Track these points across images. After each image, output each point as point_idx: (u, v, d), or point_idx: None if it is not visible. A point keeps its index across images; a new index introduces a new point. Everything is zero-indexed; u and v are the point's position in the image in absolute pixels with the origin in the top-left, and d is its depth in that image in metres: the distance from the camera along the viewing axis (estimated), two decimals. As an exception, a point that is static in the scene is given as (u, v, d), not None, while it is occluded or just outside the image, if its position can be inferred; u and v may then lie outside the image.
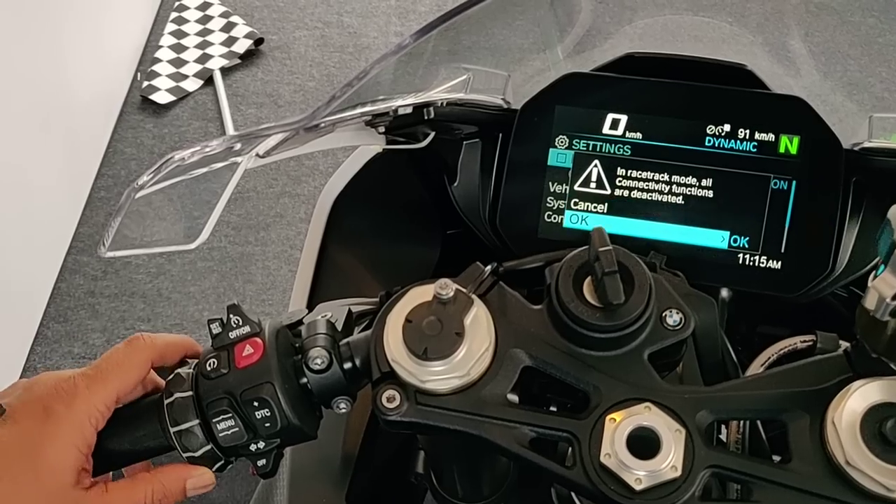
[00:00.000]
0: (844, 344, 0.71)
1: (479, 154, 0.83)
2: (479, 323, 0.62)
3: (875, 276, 0.56)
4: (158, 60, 2.80)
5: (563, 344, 0.62)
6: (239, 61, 2.81)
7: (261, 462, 0.65)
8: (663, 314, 0.63)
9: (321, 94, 2.68)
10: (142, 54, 2.84)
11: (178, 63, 2.80)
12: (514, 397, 0.62)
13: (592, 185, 0.79)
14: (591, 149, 0.79)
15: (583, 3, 0.70)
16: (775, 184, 0.77)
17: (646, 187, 0.78)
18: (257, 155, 0.59)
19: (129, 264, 2.32)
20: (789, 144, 0.76)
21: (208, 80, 2.76)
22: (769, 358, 0.72)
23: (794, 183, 0.76)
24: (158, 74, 2.76)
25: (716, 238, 0.77)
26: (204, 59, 2.81)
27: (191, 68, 2.79)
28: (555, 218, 0.79)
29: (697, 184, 0.77)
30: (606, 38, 0.77)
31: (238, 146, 0.56)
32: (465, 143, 0.84)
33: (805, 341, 0.72)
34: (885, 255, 0.53)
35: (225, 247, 2.36)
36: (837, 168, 0.76)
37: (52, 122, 2.30)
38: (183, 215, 0.58)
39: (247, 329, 0.65)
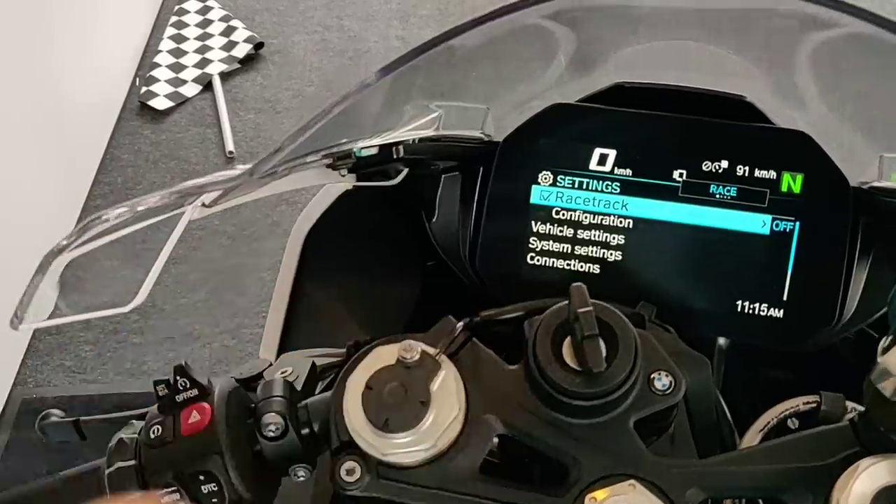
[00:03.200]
0: (851, 406, 0.65)
1: (459, 188, 0.78)
2: (447, 388, 0.57)
3: (885, 348, 0.50)
4: (157, 65, 2.76)
5: (541, 409, 0.57)
6: (238, 66, 2.76)
7: None
8: (651, 377, 0.58)
9: (320, 100, 2.63)
10: (141, 59, 2.79)
11: (177, 68, 2.75)
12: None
13: (580, 225, 0.73)
14: (577, 186, 0.73)
15: (567, 32, 0.64)
16: (777, 225, 0.71)
17: (636, 228, 0.72)
18: (203, 205, 0.54)
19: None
20: (792, 183, 0.70)
21: (207, 86, 2.71)
22: (768, 423, 0.66)
23: (797, 224, 0.70)
24: (157, 80, 2.72)
25: (713, 284, 0.72)
26: (203, 63, 2.76)
27: (190, 73, 2.74)
28: (539, 260, 0.74)
29: (691, 225, 0.72)
30: (595, 66, 0.71)
31: (176, 199, 0.51)
32: (443, 176, 0.78)
33: (808, 402, 0.66)
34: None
35: (219, 258, 2.31)
36: (845, 208, 0.70)
37: (46, 129, 2.25)
38: (116, 275, 0.52)
39: (194, 392, 0.59)
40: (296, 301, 0.86)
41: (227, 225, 2.34)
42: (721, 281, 0.71)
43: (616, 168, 0.72)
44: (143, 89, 2.68)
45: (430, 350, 0.58)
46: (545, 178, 0.73)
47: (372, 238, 0.87)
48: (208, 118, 2.64)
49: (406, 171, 0.71)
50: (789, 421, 0.67)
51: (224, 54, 2.78)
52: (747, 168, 0.71)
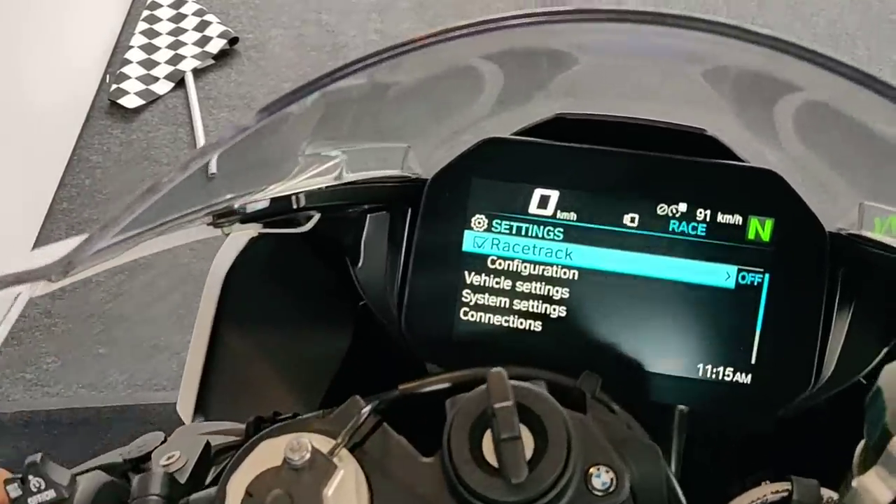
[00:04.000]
0: (827, 495, 0.56)
1: (388, 229, 0.68)
2: (344, 491, 0.48)
3: (860, 464, 0.41)
4: (128, 62, 2.66)
5: None
6: (212, 62, 2.66)
7: None
8: (589, 473, 0.49)
9: (297, 98, 2.53)
10: (111, 55, 2.69)
11: (148, 64, 2.65)
12: None
13: (519, 276, 0.64)
14: (515, 232, 0.64)
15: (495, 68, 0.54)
16: (743, 277, 0.62)
17: (582, 280, 0.63)
18: (49, 280, 0.44)
19: (88, 282, 2.18)
20: (760, 229, 0.61)
21: (180, 83, 2.61)
22: (732, 517, 0.57)
23: (766, 276, 0.61)
24: (128, 77, 2.61)
25: (670, 345, 0.63)
26: (176, 59, 2.66)
27: (162, 70, 2.64)
28: (474, 316, 0.65)
29: (645, 277, 0.62)
30: (532, 94, 0.61)
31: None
32: (369, 215, 0.69)
33: (777, 491, 0.57)
34: (876, 440, 0.38)
35: (189, 263, 2.22)
36: (821, 258, 0.61)
37: (10, 129, 2.15)
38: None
39: (50, 495, 0.51)
40: (215, 354, 0.77)
41: (196, 229, 2.25)
42: (680, 341, 0.62)
43: (559, 211, 0.63)
44: (113, 87, 2.58)
45: (325, 446, 0.49)
46: (479, 223, 0.64)
47: (295, 281, 0.78)
48: (181, 117, 2.54)
49: (317, 216, 0.61)
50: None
51: (197, 50, 2.67)
52: (709, 212, 0.62)
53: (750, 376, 0.61)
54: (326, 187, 0.55)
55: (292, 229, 0.61)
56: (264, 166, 0.50)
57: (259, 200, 0.50)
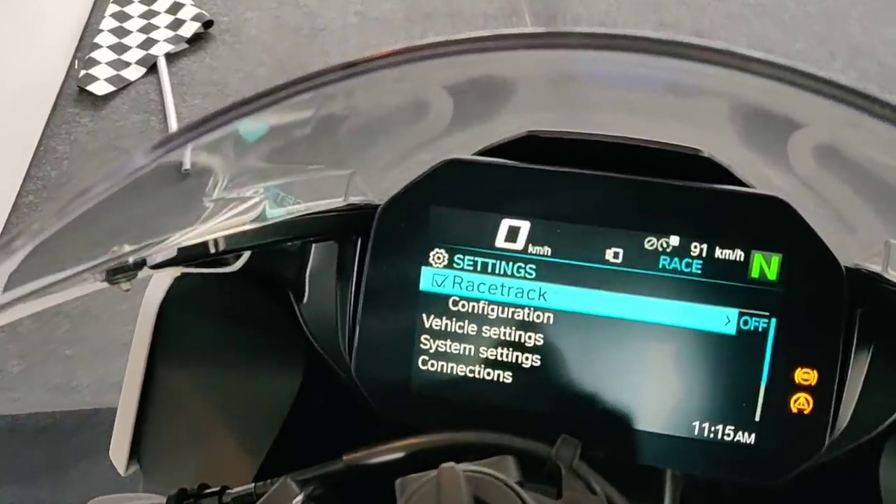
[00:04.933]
0: None
1: (336, 260, 0.59)
2: None
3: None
4: (98, 46, 2.55)
5: None
6: (186, 46, 2.55)
7: None
8: None
9: (272, 83, 2.43)
10: (79, 39, 2.58)
11: (119, 49, 2.54)
12: None
13: (485, 319, 0.55)
14: (480, 269, 0.55)
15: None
16: (745, 323, 0.53)
17: (558, 324, 0.54)
18: None
19: (55, 280, 2.09)
20: (765, 266, 0.52)
21: (152, 68, 2.50)
22: None
23: (772, 321, 0.52)
24: (97, 62, 2.51)
25: (661, 400, 0.54)
26: (148, 44, 2.55)
27: (133, 55, 2.53)
28: (434, 365, 0.56)
29: (631, 321, 0.54)
30: (498, 108, 0.52)
31: None
32: (314, 245, 0.60)
33: None
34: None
35: (143, 277, 2.12)
36: (837, 299, 0.52)
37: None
38: None
39: None
40: (151, 393, 0.68)
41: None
42: (672, 396, 0.54)
43: (530, 245, 0.54)
44: (82, 73, 2.47)
45: None
46: (438, 258, 0.55)
47: (239, 315, 0.68)
48: (153, 104, 2.44)
49: (247, 255, 0.52)
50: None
51: (170, 34, 2.57)
52: (705, 246, 0.53)
53: (754, 436, 0.53)
54: (248, 230, 0.46)
55: (218, 269, 0.52)
56: (164, 212, 0.41)
57: (160, 252, 0.41)
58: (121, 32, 2.58)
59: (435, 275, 0.55)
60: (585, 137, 0.53)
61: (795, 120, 0.43)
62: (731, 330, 0.53)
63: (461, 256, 0.55)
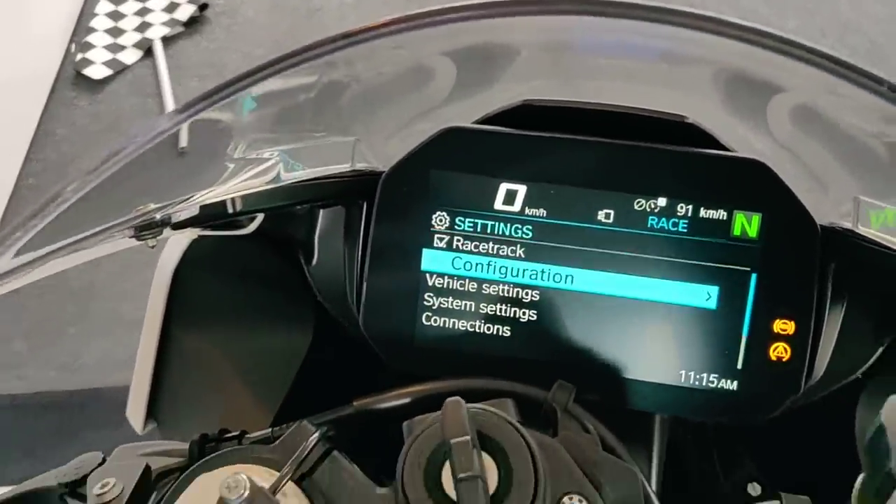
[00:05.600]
0: None
1: (343, 223, 0.63)
2: (288, 533, 0.44)
3: (859, 499, 0.37)
4: (94, 30, 2.57)
5: None
6: (182, 29, 2.57)
7: None
8: (561, 502, 0.44)
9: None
10: (76, 24, 2.60)
11: (115, 33, 2.56)
12: None
13: (483, 279, 0.59)
14: (479, 230, 0.58)
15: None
16: (727, 278, 0.56)
17: (553, 282, 0.58)
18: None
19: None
20: (747, 225, 0.56)
21: (148, 51, 2.53)
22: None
23: (752, 276, 0.56)
24: (93, 46, 2.53)
25: (651, 352, 0.58)
26: (143, 27, 2.57)
27: (129, 38, 2.55)
28: (437, 320, 0.59)
29: (622, 277, 0.57)
30: (494, 77, 0.55)
31: None
32: (322, 210, 0.64)
33: None
34: (879, 484, 0.34)
35: (164, 237, 2.15)
36: (811, 255, 0.56)
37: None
38: None
39: None
40: (166, 354, 0.72)
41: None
42: (660, 347, 0.58)
43: (527, 208, 0.58)
44: (79, 56, 2.49)
45: (269, 479, 0.45)
46: (440, 221, 0.59)
47: (251, 276, 0.72)
48: (149, 87, 2.47)
49: (260, 217, 0.56)
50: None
51: (166, 17, 2.59)
52: (691, 206, 0.56)
53: (736, 383, 0.57)
54: (263, 191, 0.49)
55: (234, 231, 0.56)
56: (189, 173, 0.45)
57: (184, 210, 0.45)
58: (116, 16, 2.60)
59: (437, 236, 0.59)
60: (578, 105, 0.57)
61: (774, 84, 0.46)
62: (714, 285, 0.57)
63: (461, 219, 0.58)
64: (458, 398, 0.43)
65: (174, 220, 0.46)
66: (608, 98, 0.57)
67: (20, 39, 2.34)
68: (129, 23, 2.59)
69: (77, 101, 2.45)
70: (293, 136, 0.51)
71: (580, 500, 0.45)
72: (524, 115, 0.58)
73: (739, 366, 0.57)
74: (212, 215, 0.49)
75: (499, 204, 0.58)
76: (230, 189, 0.46)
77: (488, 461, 0.44)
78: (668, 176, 0.56)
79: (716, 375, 0.57)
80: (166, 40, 2.54)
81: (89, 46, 2.52)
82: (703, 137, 0.57)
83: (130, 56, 2.51)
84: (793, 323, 0.56)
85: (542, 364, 0.59)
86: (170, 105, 2.38)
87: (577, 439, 0.49)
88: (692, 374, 0.57)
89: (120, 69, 2.49)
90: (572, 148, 0.57)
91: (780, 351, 0.56)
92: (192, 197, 0.45)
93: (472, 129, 0.58)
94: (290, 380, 0.70)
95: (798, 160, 0.56)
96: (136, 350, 1.90)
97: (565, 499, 0.45)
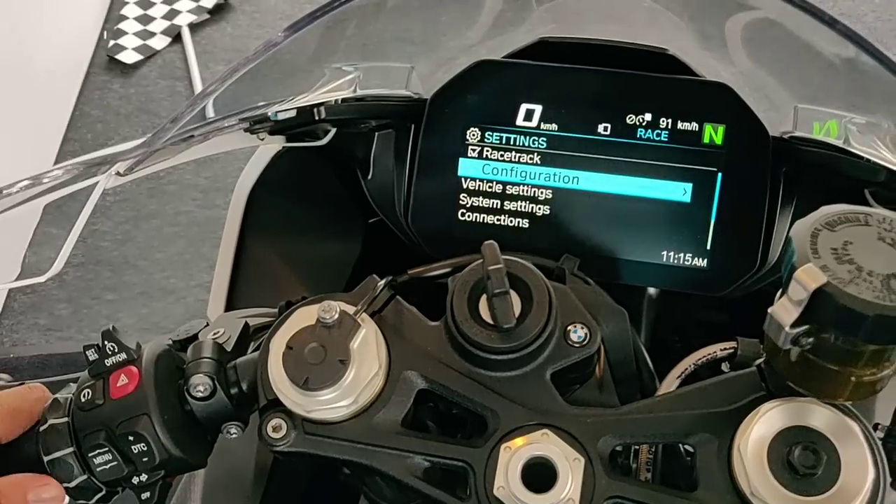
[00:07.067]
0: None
1: (393, 145, 0.78)
2: (367, 346, 0.58)
3: (779, 297, 0.51)
4: (125, 18, 2.72)
5: (461, 364, 0.58)
6: (208, 16, 2.73)
7: (144, 495, 0.61)
8: (567, 329, 0.59)
9: (291, 50, 2.60)
10: (108, 12, 2.75)
11: (144, 20, 2.72)
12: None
13: (507, 181, 0.74)
14: (504, 142, 0.74)
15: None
16: (700, 176, 0.72)
17: (563, 183, 0.73)
18: (118, 174, 0.54)
19: (95, 231, 2.27)
20: (714, 134, 0.71)
21: (176, 38, 2.68)
22: (685, 370, 0.68)
23: (719, 175, 0.72)
24: (125, 33, 2.68)
25: (638, 237, 0.73)
26: (172, 15, 2.73)
27: (158, 25, 2.71)
28: (470, 216, 0.75)
29: (617, 177, 0.73)
30: (519, 21, 0.71)
31: (84, 170, 0.51)
32: (377, 133, 0.79)
33: (725, 349, 0.68)
34: (785, 276, 0.48)
35: (192, 210, 2.31)
36: (765, 158, 0.71)
37: (12, 88, 2.23)
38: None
39: (122, 356, 0.61)
40: (241, 261, 0.87)
41: (198, 178, 2.34)
42: (646, 235, 0.73)
43: (542, 123, 0.73)
44: (111, 43, 2.65)
45: (350, 309, 0.59)
46: (473, 135, 0.74)
47: (312, 196, 0.88)
48: (178, 71, 2.62)
49: (334, 130, 0.71)
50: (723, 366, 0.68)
51: (193, 5, 2.74)
52: (670, 120, 0.72)
53: (706, 260, 0.72)
54: (342, 100, 0.65)
55: (312, 142, 0.71)
56: (292, 77, 0.60)
57: (288, 109, 0.60)
58: (146, 4, 2.76)
59: (471, 148, 0.74)
60: (584, 42, 0.73)
61: (733, 9, 0.61)
62: (689, 182, 0.72)
63: (490, 133, 0.74)
64: (493, 242, 0.58)
65: (279, 118, 0.61)
66: (608, 37, 0.73)
67: (56, 29, 2.48)
68: (158, 10, 2.74)
69: (110, 84, 2.60)
70: (365, 56, 0.67)
71: (582, 328, 0.59)
72: (541, 50, 0.74)
73: (708, 247, 0.72)
74: (302, 122, 0.65)
75: (520, 121, 0.73)
76: (319, 96, 0.62)
77: (514, 297, 0.59)
78: (652, 97, 0.72)
79: (690, 255, 0.72)
80: (193, 27, 2.70)
81: (121, 33, 2.68)
82: (681, 66, 0.73)
83: (160, 42, 2.67)
84: (751, 212, 0.71)
85: (553, 251, 0.74)
86: (198, 87, 2.53)
87: (581, 287, 0.64)
88: (671, 254, 0.72)
89: (150, 54, 2.64)
90: (578, 75, 0.73)
91: (740, 235, 0.72)
92: (293, 98, 0.60)
93: (500, 62, 0.74)
94: (343, 285, 0.85)
95: (755, 84, 0.71)
96: (168, 313, 2.07)
97: (570, 326, 0.59)
